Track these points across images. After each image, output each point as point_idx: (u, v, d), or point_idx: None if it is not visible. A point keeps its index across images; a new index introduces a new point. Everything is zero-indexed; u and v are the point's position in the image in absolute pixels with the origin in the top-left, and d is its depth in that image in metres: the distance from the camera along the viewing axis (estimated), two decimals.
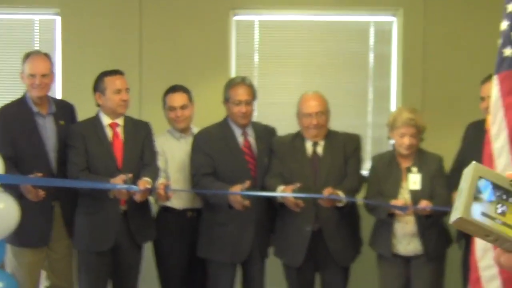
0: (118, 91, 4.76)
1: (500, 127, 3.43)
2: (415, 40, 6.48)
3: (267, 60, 6.63)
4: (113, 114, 4.79)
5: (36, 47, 6.39)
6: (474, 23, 6.42)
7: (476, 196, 1.29)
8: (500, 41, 3.47)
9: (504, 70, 3.42)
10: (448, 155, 4.89)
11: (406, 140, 4.56)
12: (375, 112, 6.61)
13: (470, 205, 1.27)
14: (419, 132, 4.59)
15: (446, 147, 5.08)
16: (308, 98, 4.77)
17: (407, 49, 6.50)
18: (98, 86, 4.81)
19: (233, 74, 6.50)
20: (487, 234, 1.28)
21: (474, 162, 1.32)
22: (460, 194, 1.27)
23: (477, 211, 1.28)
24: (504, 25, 3.44)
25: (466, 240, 4.64)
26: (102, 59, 6.25)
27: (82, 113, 5.05)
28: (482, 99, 4.56)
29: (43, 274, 4.92)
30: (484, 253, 3.46)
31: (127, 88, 4.81)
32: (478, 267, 3.48)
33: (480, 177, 1.30)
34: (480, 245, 3.48)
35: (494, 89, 3.46)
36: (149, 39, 6.47)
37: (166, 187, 4.57)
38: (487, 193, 1.28)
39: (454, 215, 1.27)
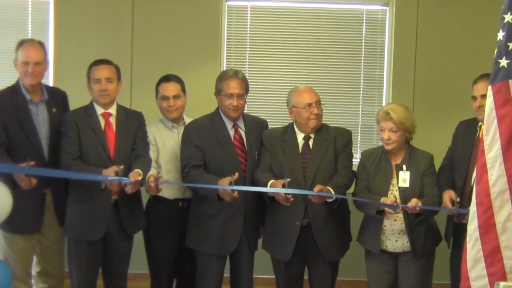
0: (97, 81, 4.74)
1: (494, 138, 3.44)
2: (408, 29, 6.47)
3: (259, 47, 6.61)
4: (100, 103, 4.80)
5: (29, 30, 6.36)
6: (469, 12, 6.41)
7: None
8: (496, 51, 3.47)
9: (499, 81, 3.42)
10: (440, 148, 4.90)
11: (385, 135, 4.55)
12: (366, 101, 6.62)
13: None
14: (399, 128, 4.54)
15: (438, 140, 5.10)
16: (303, 90, 4.75)
17: (399, 38, 6.49)
18: (87, 75, 4.81)
19: (224, 60, 6.48)
20: None
21: None
22: None
23: None
24: (500, 35, 3.44)
25: (454, 238, 4.66)
26: (94, 46, 6.27)
27: (75, 101, 5.03)
28: (474, 98, 4.54)
29: (34, 259, 4.93)
30: (474, 264, 3.48)
31: (107, 77, 4.75)
32: (469, 277, 3.51)
33: None
34: (470, 256, 3.50)
35: (488, 99, 3.46)
36: (140, 25, 6.45)
37: (157, 179, 4.55)
38: None
39: None
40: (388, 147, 4.59)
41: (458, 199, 4.40)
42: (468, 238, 3.53)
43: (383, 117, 4.56)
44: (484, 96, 4.28)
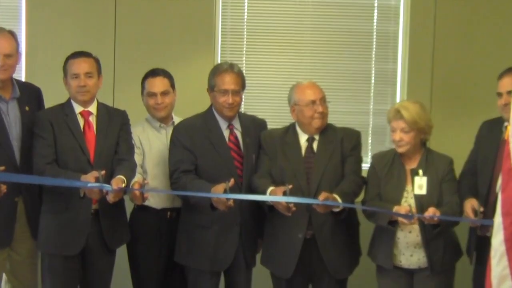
0: (75, 76, 4.74)
1: None
2: (425, 17, 6.45)
3: (257, 37, 6.59)
4: (78, 101, 4.79)
5: None
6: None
7: None
8: None
9: None
10: (461, 151, 4.89)
11: (397, 136, 4.55)
12: (377, 99, 6.61)
13: None
14: (411, 128, 4.55)
15: (459, 142, 5.10)
16: (306, 86, 4.76)
17: (415, 28, 6.47)
18: (64, 70, 4.81)
19: (218, 53, 6.48)
20: None
21: None
22: None
23: None
24: None
25: (477, 253, 4.66)
26: (72, 36, 6.24)
27: (50, 98, 5.02)
28: (499, 95, 4.54)
29: (4, 277, 4.91)
30: (500, 282, 3.46)
31: (87, 72, 4.75)
32: None
33: None
34: (496, 273, 3.49)
35: None
36: (124, 13, 6.40)
37: (142, 186, 4.54)
38: None
39: None
40: (400, 150, 4.59)
41: (481, 209, 4.40)
42: (493, 253, 3.52)
43: (394, 115, 4.57)
44: (510, 93, 4.28)
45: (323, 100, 4.70)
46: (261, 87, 6.52)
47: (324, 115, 4.70)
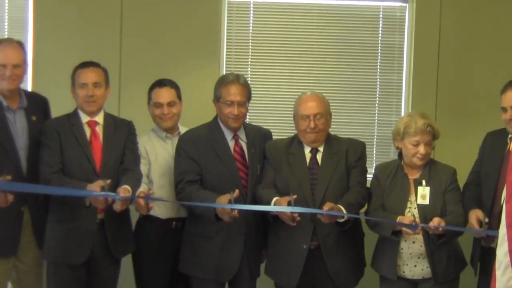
0: (83, 86, 4.76)
1: None
2: (430, 28, 6.48)
3: (262, 48, 6.62)
4: (85, 111, 4.81)
5: (6, 27, 6.40)
6: (499, 10, 6.43)
7: None
8: None
9: None
10: (465, 161, 4.91)
11: (422, 149, 4.55)
12: (382, 110, 6.63)
13: None
14: (434, 139, 4.62)
15: (463, 153, 5.11)
16: (305, 99, 4.76)
17: (420, 39, 6.50)
18: (72, 79, 4.83)
19: (224, 63, 6.50)
20: None
21: None
22: None
23: None
24: None
25: (482, 264, 4.67)
26: (78, 46, 6.28)
27: (57, 108, 5.05)
28: (504, 110, 4.55)
29: (9, 286, 4.94)
30: None
31: (95, 82, 4.77)
32: None
33: None
34: (500, 284, 3.48)
35: None
36: (130, 23, 6.46)
37: (147, 196, 4.54)
38: None
39: None
40: (421, 162, 4.60)
41: (486, 220, 4.41)
42: (497, 264, 3.51)
43: (423, 129, 4.55)
44: None
45: (319, 115, 4.68)
46: (266, 98, 6.55)
47: (317, 130, 4.68)
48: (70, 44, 6.38)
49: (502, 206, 3.52)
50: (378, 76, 6.63)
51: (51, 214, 4.79)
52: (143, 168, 4.93)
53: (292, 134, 4.90)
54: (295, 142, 4.81)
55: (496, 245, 3.57)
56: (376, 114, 6.64)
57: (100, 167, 4.71)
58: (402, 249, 4.57)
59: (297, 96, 4.87)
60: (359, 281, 4.82)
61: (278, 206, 4.47)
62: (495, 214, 4.38)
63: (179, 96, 5.13)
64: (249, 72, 6.53)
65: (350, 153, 4.74)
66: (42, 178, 4.64)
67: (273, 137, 5.10)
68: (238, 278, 4.81)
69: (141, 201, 4.55)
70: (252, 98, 5.00)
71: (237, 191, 4.46)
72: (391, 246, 4.60)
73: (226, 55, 6.57)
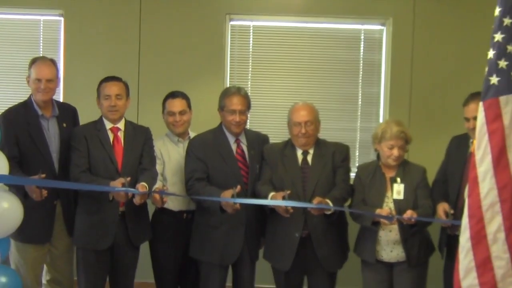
0: (107, 97, 4.79)
1: (485, 152, 3.45)
2: (404, 48, 6.51)
3: (261, 65, 6.66)
4: (109, 119, 4.84)
5: (41, 47, 6.44)
6: (463, 33, 6.44)
7: None
8: (486, 69, 3.49)
9: (490, 97, 3.43)
10: (435, 161, 4.94)
11: (396, 152, 4.58)
12: (364, 117, 6.66)
13: None
14: (406, 144, 4.66)
15: (433, 154, 5.11)
16: (298, 108, 4.79)
17: (396, 57, 6.54)
18: (97, 91, 4.87)
19: (227, 78, 6.53)
20: None
21: None
22: None
23: None
24: (490, 54, 3.46)
25: (448, 249, 4.70)
26: (103, 63, 6.32)
27: (84, 116, 5.08)
28: (467, 120, 4.59)
29: (45, 268, 4.97)
30: (466, 274, 3.48)
31: (117, 94, 4.80)
32: (461, 286, 3.52)
33: None
34: (462, 266, 3.50)
35: (479, 115, 3.48)
36: (147, 44, 6.51)
37: (161, 191, 4.58)
38: None
39: None
40: (395, 163, 4.63)
41: (452, 211, 4.44)
42: (460, 249, 3.53)
43: (397, 135, 4.57)
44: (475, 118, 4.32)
45: (309, 122, 4.70)
46: (264, 107, 6.57)
47: (307, 135, 4.70)
48: (95, 61, 6.42)
49: (464, 199, 3.54)
50: (360, 89, 6.65)
51: (80, 207, 4.83)
52: (158, 167, 4.96)
53: (286, 139, 4.92)
54: (288, 145, 4.83)
55: (460, 232, 3.59)
56: (359, 121, 6.66)
57: (122, 167, 4.75)
58: (380, 237, 4.59)
59: (290, 106, 4.89)
60: (344, 264, 4.84)
61: (274, 200, 4.50)
62: (459, 206, 4.39)
63: (189, 106, 5.15)
64: (249, 85, 6.56)
65: (336, 155, 4.77)
66: (71, 176, 4.69)
67: (270, 140, 5.12)
68: (240, 261, 4.83)
69: (157, 196, 4.58)
70: (252, 107, 5.02)
71: (239, 187, 4.49)
72: (371, 234, 4.62)
73: (230, 71, 6.60)
